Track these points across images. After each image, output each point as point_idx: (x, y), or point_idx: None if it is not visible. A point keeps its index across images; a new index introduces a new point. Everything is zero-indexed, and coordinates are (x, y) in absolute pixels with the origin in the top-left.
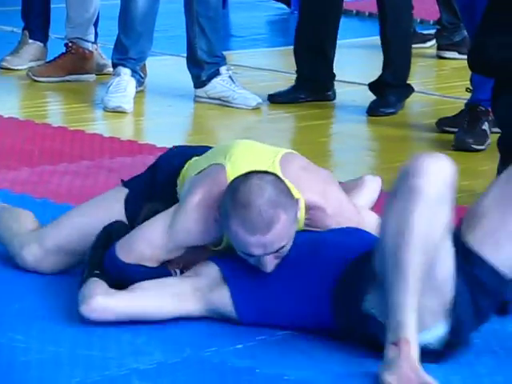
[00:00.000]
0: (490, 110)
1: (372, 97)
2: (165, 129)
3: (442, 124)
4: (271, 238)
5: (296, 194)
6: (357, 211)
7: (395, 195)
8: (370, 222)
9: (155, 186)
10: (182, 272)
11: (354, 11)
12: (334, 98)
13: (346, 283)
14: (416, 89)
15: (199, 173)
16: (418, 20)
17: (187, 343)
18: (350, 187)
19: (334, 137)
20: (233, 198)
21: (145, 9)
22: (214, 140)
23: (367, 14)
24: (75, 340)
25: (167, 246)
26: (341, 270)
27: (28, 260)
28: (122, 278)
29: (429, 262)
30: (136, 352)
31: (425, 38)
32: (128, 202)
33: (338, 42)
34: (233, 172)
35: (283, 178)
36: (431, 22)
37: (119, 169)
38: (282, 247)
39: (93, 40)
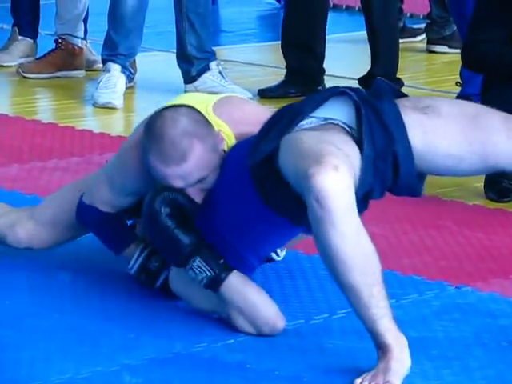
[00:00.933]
0: (479, 103)
1: None
2: None
3: None
4: (188, 169)
5: (220, 126)
6: None
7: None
8: None
9: None
10: (142, 251)
11: (344, 6)
12: None
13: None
14: (406, 83)
15: None
16: (408, 14)
17: (178, 338)
18: None
19: None
20: (148, 132)
21: (134, 4)
22: None
23: (357, 8)
24: (66, 336)
25: (110, 189)
26: None
27: (21, 236)
28: (81, 219)
29: (372, 271)
30: (127, 347)
31: (415, 33)
32: None
33: (328, 36)
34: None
35: (215, 117)
36: (421, 16)
37: None
38: (204, 178)
39: (82, 36)
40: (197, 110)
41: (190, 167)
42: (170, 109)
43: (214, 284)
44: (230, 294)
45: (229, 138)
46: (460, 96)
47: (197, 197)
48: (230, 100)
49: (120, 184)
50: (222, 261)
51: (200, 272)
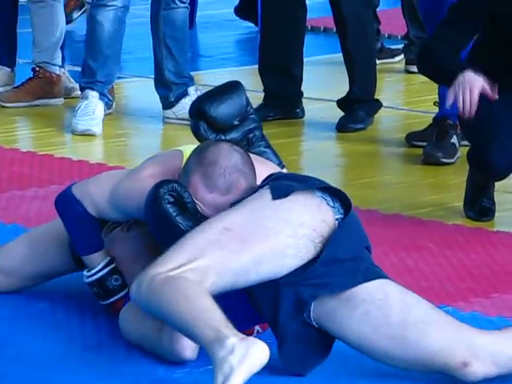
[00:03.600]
0: (457, 123)
1: (341, 113)
2: (134, 151)
3: (411, 138)
4: (226, 201)
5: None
6: None
7: None
8: None
9: None
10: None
11: (322, 28)
12: (303, 115)
13: None
14: (385, 103)
15: None
16: (386, 35)
17: (160, 364)
18: None
19: (304, 154)
20: (200, 156)
21: (111, 32)
22: None
23: (334, 30)
24: (48, 365)
25: (108, 201)
26: None
27: None
28: (60, 208)
29: None
30: (111, 373)
31: (393, 53)
32: None
33: (306, 59)
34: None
35: None
36: (399, 37)
37: None
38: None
39: (60, 64)
40: (247, 152)
41: (228, 200)
42: (227, 142)
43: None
44: None
45: None
46: (438, 116)
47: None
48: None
49: (121, 201)
50: None
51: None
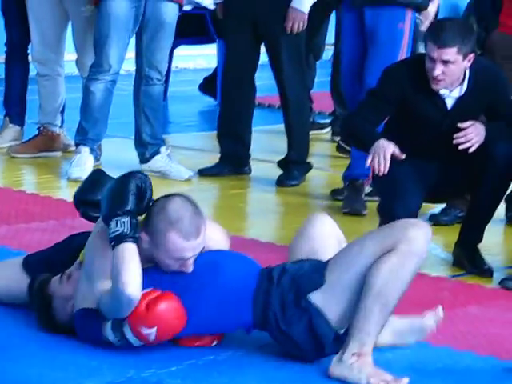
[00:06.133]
0: (366, 181)
1: (280, 171)
2: None
3: (335, 194)
4: (199, 242)
5: None
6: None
7: (395, 245)
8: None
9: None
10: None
11: (267, 104)
12: (250, 172)
13: (263, 289)
14: (315, 166)
15: None
16: (317, 111)
17: (132, 366)
18: None
19: (251, 202)
20: (164, 215)
21: (101, 100)
22: None
23: (276, 106)
24: (41, 363)
25: (94, 292)
26: (253, 279)
27: None
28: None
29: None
30: (90, 373)
31: (322, 126)
32: (27, 264)
33: (254, 128)
34: None
35: None
36: (327, 113)
37: (79, 227)
38: (201, 250)
39: (60, 124)
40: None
41: (201, 240)
42: (171, 196)
43: (119, 239)
44: (119, 254)
45: None
46: (350, 175)
47: (192, 266)
48: None
49: (98, 269)
50: (137, 235)
51: (121, 226)
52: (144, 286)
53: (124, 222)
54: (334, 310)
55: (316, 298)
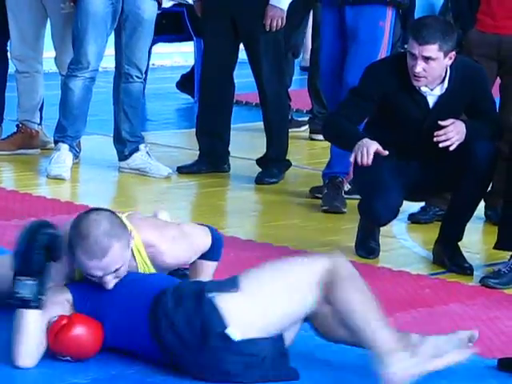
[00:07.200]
0: (345, 179)
1: (259, 169)
2: (95, 193)
3: (314, 191)
4: (107, 262)
5: (131, 228)
6: (190, 247)
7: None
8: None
9: None
10: None
11: (244, 101)
12: (229, 169)
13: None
14: (293, 163)
15: None
16: (295, 109)
17: (116, 363)
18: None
19: (229, 200)
20: (75, 231)
21: (80, 97)
22: (134, 202)
23: (254, 103)
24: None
25: None
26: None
27: None
28: None
29: None
30: (75, 370)
31: (300, 124)
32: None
33: (232, 125)
34: None
35: (127, 221)
36: (304, 111)
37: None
38: (119, 268)
39: (38, 122)
40: (114, 214)
41: (109, 261)
42: (94, 211)
43: (21, 304)
44: (18, 320)
45: (136, 238)
46: (329, 173)
47: (110, 283)
48: (135, 214)
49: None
50: (43, 299)
51: (24, 289)
52: (80, 298)
53: (28, 285)
54: (238, 315)
55: (220, 298)
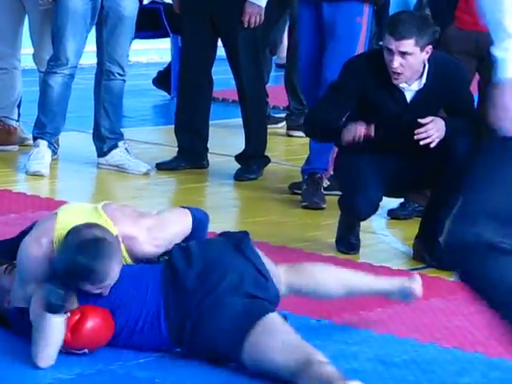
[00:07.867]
0: (324, 175)
1: (238, 165)
2: (74, 189)
3: (293, 187)
4: (107, 283)
5: (113, 230)
6: (168, 235)
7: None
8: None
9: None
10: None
11: (221, 98)
12: (208, 166)
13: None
14: (272, 160)
15: None
16: (272, 106)
17: (100, 358)
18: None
19: (209, 197)
20: (77, 261)
21: (59, 93)
22: (113, 198)
23: (231, 100)
24: (12, 354)
25: (27, 295)
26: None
27: None
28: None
29: None
30: (59, 365)
31: (277, 120)
32: None
33: (210, 122)
34: (63, 216)
35: (104, 214)
36: (281, 108)
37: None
38: (108, 285)
39: (16, 118)
40: (109, 231)
41: (109, 282)
42: (91, 235)
43: (49, 308)
44: (43, 324)
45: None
46: (308, 169)
47: (107, 291)
48: (110, 204)
49: (29, 274)
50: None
51: (54, 295)
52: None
53: (58, 293)
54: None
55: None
